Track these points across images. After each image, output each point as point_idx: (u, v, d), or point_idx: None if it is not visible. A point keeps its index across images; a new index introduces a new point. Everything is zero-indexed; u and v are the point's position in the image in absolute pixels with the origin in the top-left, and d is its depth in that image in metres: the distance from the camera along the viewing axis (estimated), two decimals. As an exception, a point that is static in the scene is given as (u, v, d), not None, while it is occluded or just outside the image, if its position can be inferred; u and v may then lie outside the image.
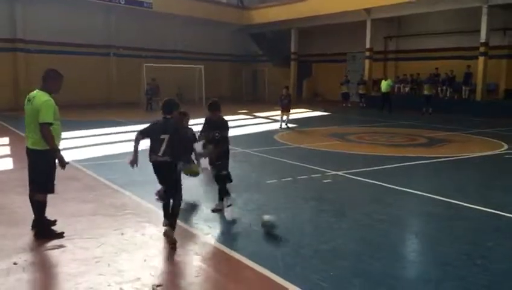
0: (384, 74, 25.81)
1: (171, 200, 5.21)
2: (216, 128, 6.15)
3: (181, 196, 5.28)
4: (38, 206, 5.08)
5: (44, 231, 5.08)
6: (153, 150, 5.20)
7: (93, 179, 8.04)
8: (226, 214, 6.14)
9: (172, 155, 5.12)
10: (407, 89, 25.67)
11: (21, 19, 23.31)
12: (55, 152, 4.96)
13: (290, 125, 16.50)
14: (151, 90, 22.87)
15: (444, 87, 23.61)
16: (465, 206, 6.53)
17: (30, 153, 5.07)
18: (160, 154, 5.12)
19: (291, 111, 17.00)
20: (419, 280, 4.28)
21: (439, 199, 6.86)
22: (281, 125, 16.47)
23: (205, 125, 6.31)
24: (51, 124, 4.89)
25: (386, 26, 27.09)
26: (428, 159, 10.36)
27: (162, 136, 5.11)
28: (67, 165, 5.08)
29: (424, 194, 7.17)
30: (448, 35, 24.41)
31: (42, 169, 5.02)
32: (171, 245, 4.83)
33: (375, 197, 7.13)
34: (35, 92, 5.07)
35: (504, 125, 16.86)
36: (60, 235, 5.04)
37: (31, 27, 23.53)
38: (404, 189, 7.46)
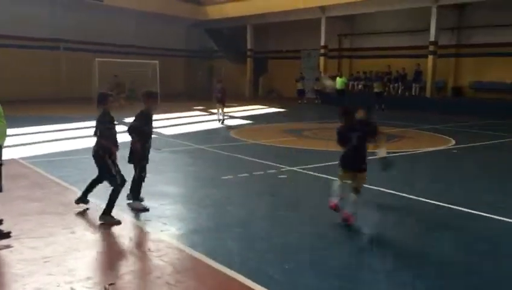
0: (339, 71, 26.28)
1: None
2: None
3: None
4: None
5: None
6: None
7: (42, 176, 7.76)
8: (180, 210, 6.07)
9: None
10: (360, 86, 26.24)
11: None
12: None
13: (225, 122, 16.56)
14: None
15: (396, 85, 24.30)
16: (411, 198, 6.75)
17: None
18: None
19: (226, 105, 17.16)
20: (371, 269, 4.39)
21: (389, 192, 7.06)
22: (220, 120, 16.56)
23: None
24: None
25: (340, 24, 27.57)
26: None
27: None
28: (8, 163, 4.87)
29: (375, 187, 7.34)
30: (400, 34, 25.15)
31: None
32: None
33: (328, 192, 7.23)
34: None
35: (452, 122, 17.54)
36: (7, 235, 4.82)
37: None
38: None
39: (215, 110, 21.24)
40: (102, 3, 25.89)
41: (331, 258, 4.53)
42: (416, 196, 6.85)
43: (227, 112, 19.57)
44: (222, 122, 16.44)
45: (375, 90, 22.69)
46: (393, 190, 7.18)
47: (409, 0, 21.97)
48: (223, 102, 16.55)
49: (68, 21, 26.05)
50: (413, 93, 23.61)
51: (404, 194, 6.99)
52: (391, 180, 7.80)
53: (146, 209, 5.88)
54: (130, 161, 6.00)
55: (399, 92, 24.27)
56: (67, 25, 26.03)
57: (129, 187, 6.02)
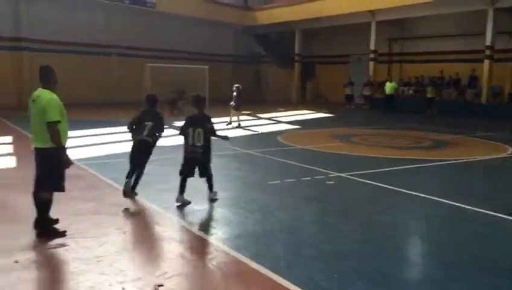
0: (389, 76, 25.72)
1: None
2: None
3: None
4: (44, 205, 5.06)
5: (47, 229, 5.05)
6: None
7: (96, 178, 8.03)
8: (228, 214, 6.11)
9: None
10: (411, 92, 25.59)
11: (25, 18, 23.33)
12: (62, 151, 4.94)
13: (239, 124, 16.88)
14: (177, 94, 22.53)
15: (449, 90, 23.51)
16: (468, 208, 6.48)
17: (38, 152, 5.05)
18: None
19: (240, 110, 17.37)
20: (422, 281, 4.25)
21: (443, 202, 6.82)
22: (230, 123, 16.92)
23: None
24: (58, 122, 4.86)
25: (390, 28, 27.00)
26: (432, 162, 10.30)
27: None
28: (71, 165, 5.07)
29: (428, 196, 7.12)
30: (453, 38, 24.34)
31: (51, 168, 5.01)
32: None
33: (379, 199, 7.10)
34: (39, 91, 5.03)
35: (508, 129, 16.77)
36: (63, 234, 5.01)
37: (35, 26, 23.54)
38: (408, 191, 7.41)
39: (262, 115, 21.38)
40: (154, 9, 26.58)
41: (381, 267, 4.41)
42: (469, 205, 6.57)
43: (275, 117, 19.60)
44: (235, 124, 16.79)
45: (428, 95, 22.10)
46: (441, 198, 6.93)
47: (464, 3, 21.18)
48: (237, 107, 16.91)
49: (121, 28, 26.92)
50: (468, 99, 22.75)
51: (461, 204, 6.72)
52: (445, 189, 7.55)
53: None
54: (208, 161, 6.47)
55: (452, 97, 23.46)
56: (120, 31, 26.90)
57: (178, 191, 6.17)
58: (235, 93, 17.25)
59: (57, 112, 4.88)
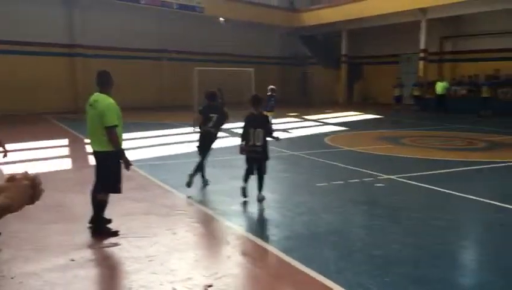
0: (440, 76, 24.92)
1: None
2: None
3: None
4: (99, 205, 5.23)
5: (100, 228, 5.22)
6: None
7: (147, 179, 8.23)
8: (275, 216, 6.10)
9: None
10: (463, 91, 24.68)
11: (79, 26, 24.34)
12: (121, 153, 5.10)
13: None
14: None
15: (505, 89, 22.51)
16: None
17: (96, 155, 5.24)
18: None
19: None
20: (479, 288, 4.07)
21: (500, 206, 6.52)
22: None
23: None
24: (116, 126, 5.02)
25: (442, 26, 26.17)
26: (487, 164, 9.89)
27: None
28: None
29: (484, 200, 6.84)
30: (509, 35, 23.28)
31: (109, 170, 5.19)
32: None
33: (431, 203, 6.89)
34: (96, 95, 5.17)
35: None
36: (115, 234, 5.17)
37: (88, 33, 24.51)
38: (462, 194, 7.15)
39: (308, 116, 21.24)
40: (202, 14, 27.03)
41: (434, 273, 4.27)
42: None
43: (321, 119, 19.47)
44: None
45: (483, 95, 21.27)
46: (496, 201, 6.62)
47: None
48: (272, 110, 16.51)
49: (171, 33, 27.54)
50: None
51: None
52: (501, 192, 7.22)
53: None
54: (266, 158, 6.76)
55: (508, 96, 22.43)
56: (170, 36, 27.54)
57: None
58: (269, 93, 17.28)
59: (115, 116, 5.03)
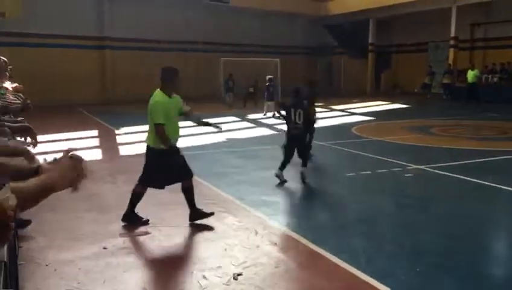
0: (471, 64, 24.30)
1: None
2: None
3: None
4: (134, 196, 5.28)
5: (131, 217, 5.31)
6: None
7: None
8: (304, 206, 6.10)
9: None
10: (496, 80, 24.01)
11: (108, 18, 24.63)
12: (169, 150, 5.12)
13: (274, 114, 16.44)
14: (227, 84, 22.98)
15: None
16: None
17: (147, 148, 5.33)
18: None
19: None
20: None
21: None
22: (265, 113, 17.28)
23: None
24: (162, 124, 5.04)
25: (473, 13, 25.42)
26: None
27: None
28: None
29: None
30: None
31: (149, 164, 5.27)
32: None
33: (462, 193, 6.77)
34: (155, 91, 5.27)
35: None
36: (146, 223, 5.26)
37: (116, 25, 24.78)
38: (494, 185, 6.98)
39: (335, 106, 21.07)
40: (228, 4, 27.02)
41: (468, 264, 4.20)
42: None
43: (348, 109, 19.32)
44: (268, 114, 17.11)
45: None
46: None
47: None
48: (272, 98, 17.15)
49: (197, 24, 27.59)
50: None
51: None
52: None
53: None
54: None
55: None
56: (196, 27, 27.59)
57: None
58: (268, 84, 17.91)
59: (161, 115, 5.03)
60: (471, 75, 22.23)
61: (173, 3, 25.87)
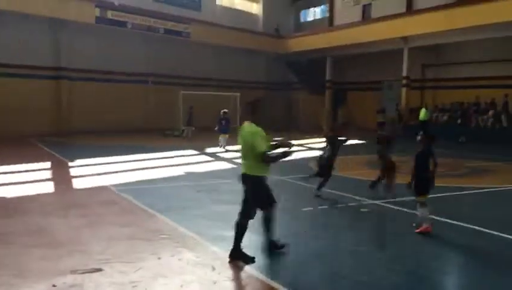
0: (422, 103, 25.37)
1: None
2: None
3: None
4: (266, 221, 5.52)
5: (240, 255, 5.26)
6: None
7: (130, 203, 8.14)
8: (261, 241, 6.07)
9: None
10: (445, 118, 25.09)
11: (66, 49, 24.23)
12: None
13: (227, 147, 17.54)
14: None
15: (485, 117, 22.96)
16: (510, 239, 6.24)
17: (247, 179, 5.38)
18: None
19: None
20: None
21: (483, 231, 6.59)
22: (222, 146, 17.80)
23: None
24: (265, 152, 5.19)
25: (424, 54, 26.76)
26: (470, 190, 10.02)
27: None
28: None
29: (467, 225, 6.91)
30: (488, 63, 23.87)
31: (256, 193, 5.39)
32: None
33: (413, 227, 6.91)
34: (245, 124, 5.46)
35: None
36: (253, 260, 5.17)
37: (74, 56, 24.42)
38: (446, 220, 7.21)
39: (293, 141, 21.30)
40: (189, 38, 27.30)
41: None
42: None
43: (306, 144, 19.62)
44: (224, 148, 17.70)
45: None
46: (490, 229, 6.69)
47: (500, 29, 20.84)
48: (227, 131, 17.94)
49: (157, 57, 27.63)
50: (504, 125, 22.15)
51: (503, 234, 6.48)
52: (485, 218, 7.30)
53: None
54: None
55: (488, 124, 22.85)
56: (156, 60, 27.61)
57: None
58: (221, 117, 18.45)
59: (263, 143, 5.21)
60: (423, 113, 23.16)
61: (133, 35, 25.86)
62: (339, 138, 9.51)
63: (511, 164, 14.26)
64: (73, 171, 11.82)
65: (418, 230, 6.46)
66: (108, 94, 25.35)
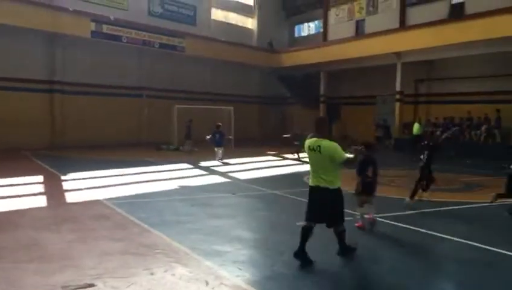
0: (415, 117, 25.54)
1: None
2: None
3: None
4: (342, 235, 5.99)
5: (346, 249, 6.01)
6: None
7: (123, 217, 8.07)
8: (255, 256, 6.03)
9: None
10: (438, 133, 25.20)
11: (60, 63, 24.21)
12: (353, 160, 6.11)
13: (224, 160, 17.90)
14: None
15: (478, 132, 23.12)
16: (505, 253, 6.24)
17: (326, 192, 5.81)
18: None
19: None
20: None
21: (479, 246, 6.59)
22: (219, 159, 18.14)
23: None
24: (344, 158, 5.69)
25: (417, 70, 27.00)
26: (464, 204, 10.04)
27: None
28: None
29: (462, 240, 6.90)
30: (482, 79, 24.11)
31: (338, 204, 5.89)
32: None
33: (410, 242, 6.92)
34: (316, 140, 5.87)
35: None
36: (311, 263, 5.65)
37: (69, 70, 24.39)
38: (441, 235, 7.20)
39: (289, 155, 21.35)
40: (183, 53, 27.42)
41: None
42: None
43: (300, 158, 19.63)
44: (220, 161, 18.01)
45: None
46: (486, 245, 6.70)
47: (491, 45, 21.10)
48: (221, 145, 18.40)
49: (152, 70, 27.71)
50: (497, 141, 22.30)
51: (498, 249, 6.48)
52: (480, 232, 7.30)
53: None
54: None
55: (481, 139, 23.00)
56: (150, 74, 27.69)
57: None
58: (215, 130, 18.74)
59: (342, 152, 5.70)
60: (416, 127, 23.30)
61: (128, 49, 25.93)
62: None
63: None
64: (66, 185, 11.74)
65: (357, 224, 7.61)
66: (103, 108, 25.31)
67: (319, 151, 5.70)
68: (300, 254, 5.71)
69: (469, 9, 24.16)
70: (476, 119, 23.59)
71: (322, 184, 5.76)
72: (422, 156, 9.73)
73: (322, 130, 5.92)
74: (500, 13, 20.41)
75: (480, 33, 20.69)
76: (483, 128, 22.64)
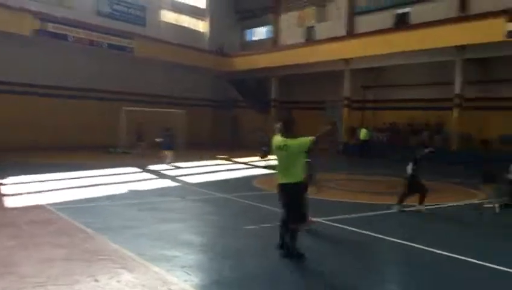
0: (362, 123, 26.32)
1: None
2: None
3: None
4: (294, 233, 6.05)
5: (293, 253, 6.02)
6: None
7: (67, 223, 7.82)
8: (203, 260, 6.02)
9: None
10: (384, 138, 26.10)
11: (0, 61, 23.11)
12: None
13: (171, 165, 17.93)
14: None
15: (419, 137, 24.07)
16: (441, 254, 6.54)
17: (288, 187, 5.98)
18: None
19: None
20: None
21: (417, 247, 6.86)
22: (168, 162, 18.07)
23: None
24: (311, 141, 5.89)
25: (364, 76, 27.82)
26: (406, 207, 10.40)
27: None
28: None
29: (402, 242, 7.17)
30: (425, 86, 25.15)
31: (298, 200, 6.11)
32: None
33: (356, 245, 7.11)
34: (283, 140, 6.04)
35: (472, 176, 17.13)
36: (303, 256, 5.93)
37: (9, 69, 23.24)
38: (383, 237, 7.44)
39: (238, 159, 21.42)
40: (132, 54, 26.90)
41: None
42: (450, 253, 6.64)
43: (250, 162, 19.75)
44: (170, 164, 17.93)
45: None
46: (424, 246, 6.98)
47: (434, 54, 22.10)
48: (172, 148, 18.42)
49: (99, 72, 26.96)
50: (437, 145, 23.30)
51: (435, 250, 6.78)
52: (419, 234, 7.59)
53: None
54: None
55: (426, 144, 23.92)
56: (98, 75, 26.93)
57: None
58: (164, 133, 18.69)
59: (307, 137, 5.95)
60: (363, 133, 24.01)
61: (75, 49, 25.14)
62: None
63: (445, 183, 14.96)
64: (4, 189, 11.20)
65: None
66: (47, 109, 24.38)
67: (286, 150, 5.90)
68: (285, 249, 6.06)
69: (414, 19, 25.21)
70: (417, 125, 24.59)
71: (291, 180, 5.94)
72: (408, 167, 9.92)
73: (289, 129, 6.07)
74: (441, 24, 21.45)
75: (422, 42, 21.64)
76: (425, 134, 23.63)
